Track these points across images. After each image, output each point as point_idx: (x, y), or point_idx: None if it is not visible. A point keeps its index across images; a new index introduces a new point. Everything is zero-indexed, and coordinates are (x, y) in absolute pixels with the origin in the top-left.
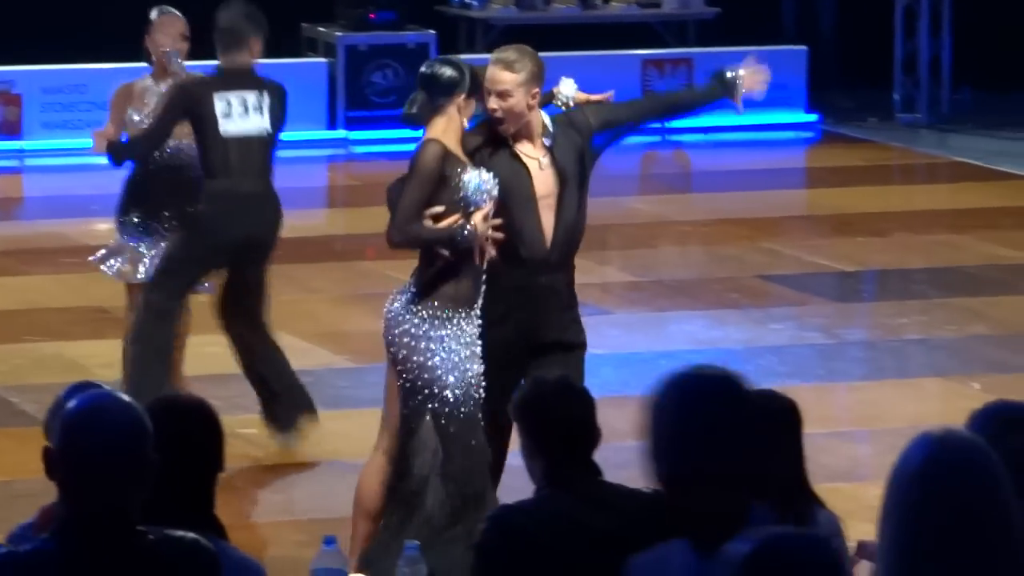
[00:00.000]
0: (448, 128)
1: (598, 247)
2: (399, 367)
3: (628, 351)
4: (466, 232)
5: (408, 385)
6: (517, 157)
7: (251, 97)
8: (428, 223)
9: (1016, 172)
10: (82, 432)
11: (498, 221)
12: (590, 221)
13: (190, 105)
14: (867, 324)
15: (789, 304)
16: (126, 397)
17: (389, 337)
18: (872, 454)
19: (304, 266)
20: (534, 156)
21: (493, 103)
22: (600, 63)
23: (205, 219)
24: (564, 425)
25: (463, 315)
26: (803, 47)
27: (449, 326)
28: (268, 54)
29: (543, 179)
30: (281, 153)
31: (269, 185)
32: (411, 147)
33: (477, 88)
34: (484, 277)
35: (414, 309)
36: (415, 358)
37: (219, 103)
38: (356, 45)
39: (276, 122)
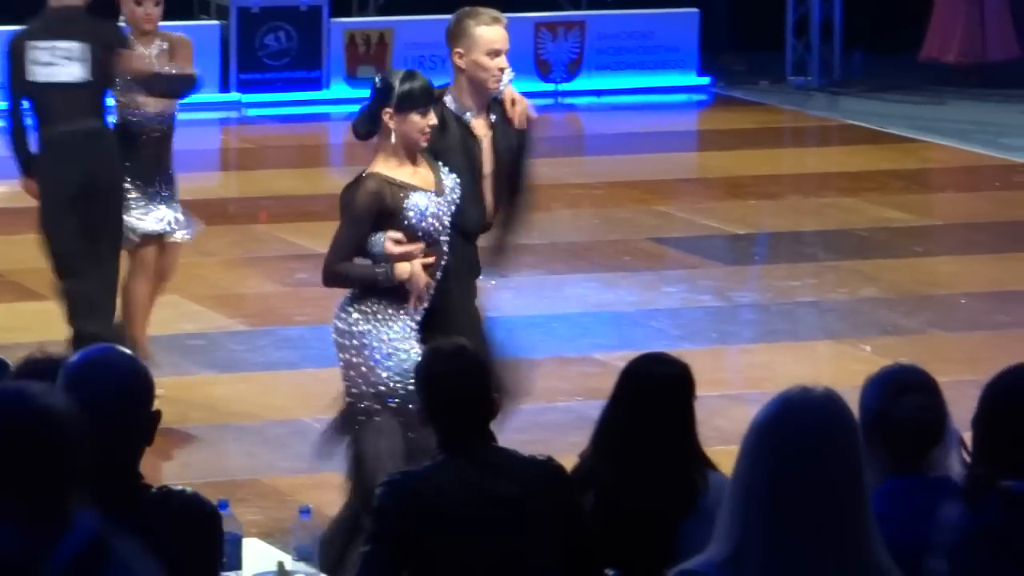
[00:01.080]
0: (388, 152)
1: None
2: (341, 361)
3: (522, 314)
4: (386, 275)
5: (349, 380)
6: (472, 133)
7: (70, 46)
8: (358, 261)
9: (906, 135)
10: (87, 384)
11: (428, 260)
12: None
13: (14, 59)
14: (759, 287)
15: (682, 267)
16: (127, 351)
17: (333, 337)
18: None
19: None
20: (484, 133)
21: (502, 62)
22: None
23: (41, 168)
24: (460, 393)
25: (399, 310)
26: (695, 10)
27: (384, 320)
28: (162, 17)
29: (488, 156)
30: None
31: (101, 126)
32: (303, 110)
33: (410, 105)
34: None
35: (350, 308)
36: (351, 353)
37: (33, 52)
38: (249, 8)
39: (99, 69)
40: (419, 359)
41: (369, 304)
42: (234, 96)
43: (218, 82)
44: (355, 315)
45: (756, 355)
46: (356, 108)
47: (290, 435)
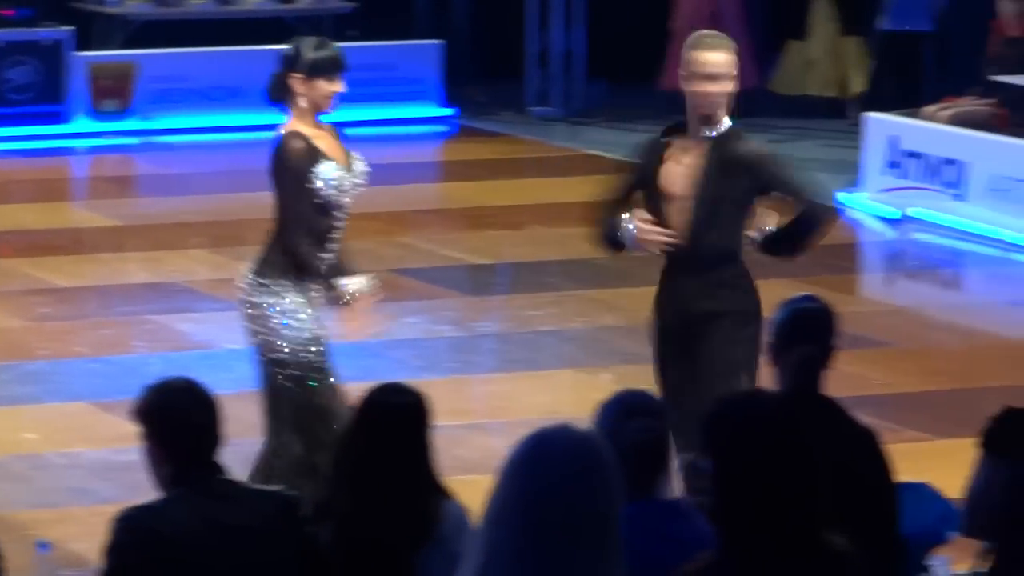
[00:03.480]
0: (299, 116)
1: (234, 243)
2: (257, 342)
3: None
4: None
5: (265, 358)
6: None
7: None
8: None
9: None
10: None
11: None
12: (226, 216)
13: None
14: (500, 317)
15: (423, 298)
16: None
17: (243, 317)
18: (505, 445)
19: None
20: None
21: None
22: (236, 59)
23: None
24: (188, 428)
25: (308, 287)
26: (438, 41)
27: (295, 295)
28: None
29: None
30: None
31: None
32: (46, 144)
33: (320, 71)
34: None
35: (261, 283)
36: (266, 330)
37: None
38: None
39: None
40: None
41: (276, 279)
42: None
43: None
44: (268, 289)
45: (497, 384)
46: (99, 142)
47: (32, 469)
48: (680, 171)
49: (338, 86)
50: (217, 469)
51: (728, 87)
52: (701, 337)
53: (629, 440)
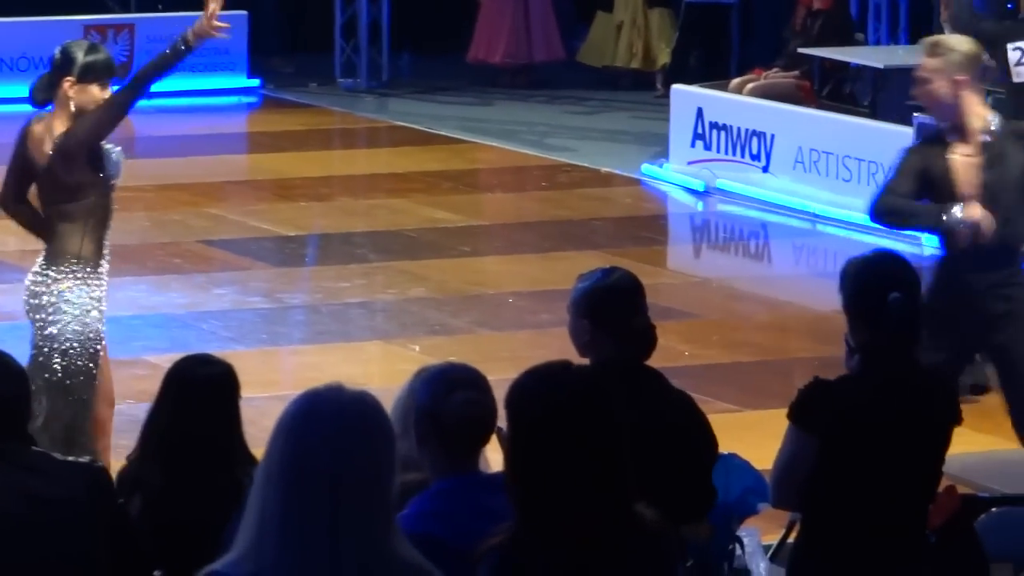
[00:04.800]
0: (64, 120)
1: None
2: (34, 325)
3: None
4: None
5: (39, 340)
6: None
7: None
8: None
9: (455, 136)
10: None
11: None
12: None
13: None
14: (309, 288)
15: (232, 269)
16: None
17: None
18: None
19: None
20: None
21: None
22: (41, 29)
23: None
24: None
25: (87, 272)
26: (244, 12)
27: (72, 280)
28: None
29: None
30: None
31: None
32: None
33: (93, 76)
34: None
35: (41, 269)
36: (41, 314)
37: None
38: None
39: None
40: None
41: (56, 266)
42: None
43: None
44: (48, 274)
45: (307, 356)
46: None
47: None
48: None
49: (108, 92)
50: (28, 440)
51: None
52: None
53: (455, 413)
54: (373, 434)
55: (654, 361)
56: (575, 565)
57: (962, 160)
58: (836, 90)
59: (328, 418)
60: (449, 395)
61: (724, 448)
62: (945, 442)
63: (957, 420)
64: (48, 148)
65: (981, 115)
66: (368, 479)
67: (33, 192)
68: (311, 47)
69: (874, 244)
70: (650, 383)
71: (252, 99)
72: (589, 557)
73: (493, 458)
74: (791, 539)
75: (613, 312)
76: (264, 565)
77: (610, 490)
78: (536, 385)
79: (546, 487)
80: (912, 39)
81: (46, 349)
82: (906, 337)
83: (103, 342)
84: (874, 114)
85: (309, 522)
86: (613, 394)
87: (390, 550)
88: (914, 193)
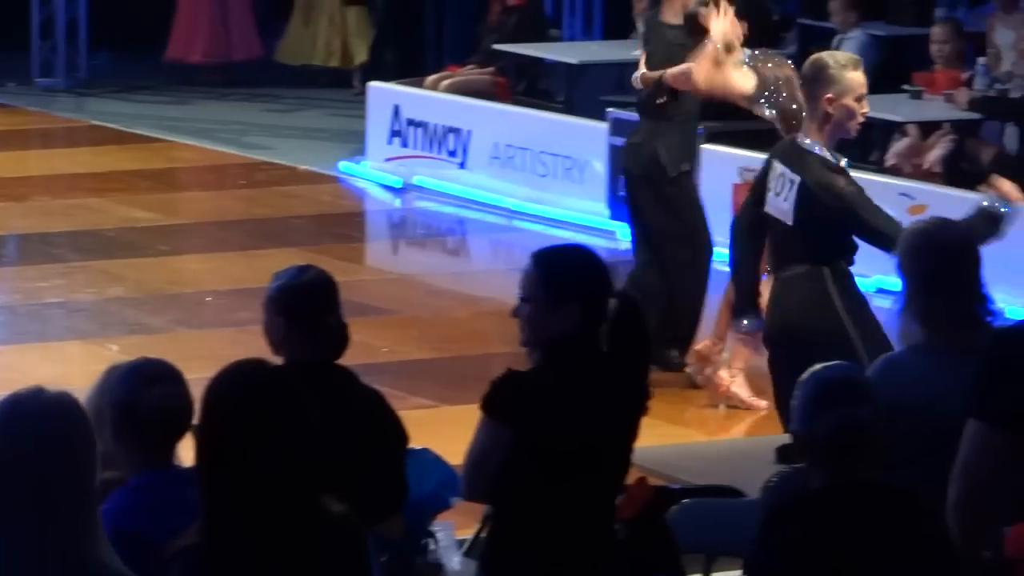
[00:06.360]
0: None
1: None
2: None
3: None
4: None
5: None
6: None
7: None
8: None
9: (153, 135)
10: None
11: None
12: None
13: None
14: (7, 289)
15: None
16: None
17: None
18: None
19: None
20: None
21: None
22: None
23: None
24: None
25: None
26: None
27: None
28: None
29: None
30: None
31: None
32: None
33: None
34: None
35: None
36: None
37: None
38: None
39: None
40: None
41: None
42: None
43: None
44: None
45: (4, 357)
46: None
47: None
48: None
49: None
50: None
51: None
52: None
53: (155, 407)
54: (75, 436)
55: (352, 358)
56: (263, 564)
57: None
58: (531, 86)
59: (30, 422)
60: (147, 389)
61: (422, 444)
62: (634, 431)
63: (645, 409)
64: None
65: None
66: (71, 480)
67: None
68: (8, 46)
69: (568, 238)
70: (341, 381)
71: None
72: (276, 555)
73: (187, 456)
74: (485, 532)
75: (306, 310)
76: None
77: (297, 487)
78: (227, 382)
79: (233, 484)
80: (606, 35)
81: None
82: (593, 328)
83: None
84: (569, 109)
85: (14, 524)
86: (304, 392)
87: (92, 554)
88: None
